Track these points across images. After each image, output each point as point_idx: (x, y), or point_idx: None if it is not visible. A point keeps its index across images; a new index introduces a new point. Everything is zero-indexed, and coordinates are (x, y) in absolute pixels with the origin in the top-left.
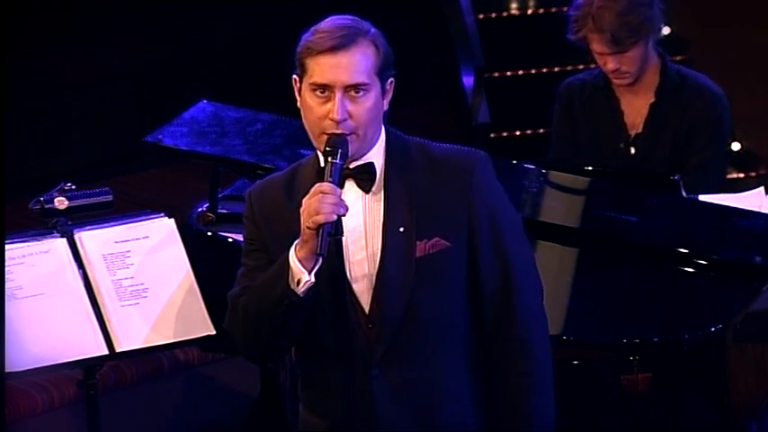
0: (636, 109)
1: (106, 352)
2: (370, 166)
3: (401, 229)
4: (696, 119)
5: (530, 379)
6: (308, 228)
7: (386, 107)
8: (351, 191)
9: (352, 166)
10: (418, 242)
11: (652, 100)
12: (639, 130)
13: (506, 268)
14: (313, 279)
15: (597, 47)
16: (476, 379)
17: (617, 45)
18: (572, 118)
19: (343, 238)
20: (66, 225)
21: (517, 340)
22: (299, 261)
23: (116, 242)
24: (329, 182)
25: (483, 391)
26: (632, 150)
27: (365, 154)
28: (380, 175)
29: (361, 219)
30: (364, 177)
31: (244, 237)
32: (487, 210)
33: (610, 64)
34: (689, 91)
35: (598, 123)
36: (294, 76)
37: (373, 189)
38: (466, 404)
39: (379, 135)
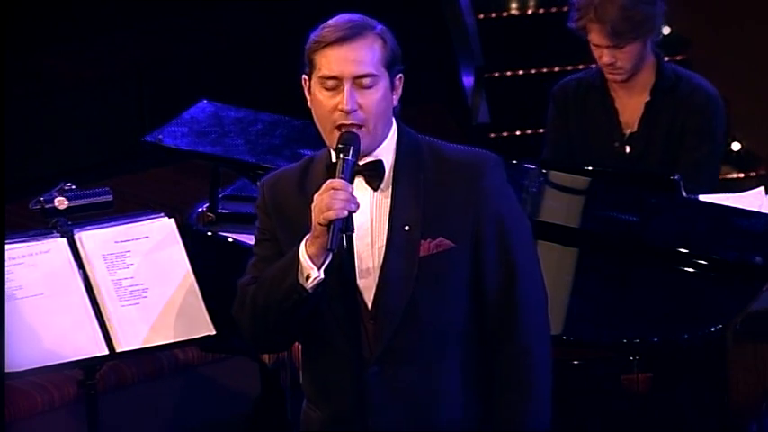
0: (631, 108)
1: (106, 352)
2: (379, 164)
3: (406, 228)
4: (689, 117)
5: (528, 391)
6: (320, 224)
7: (395, 103)
8: (359, 187)
9: (361, 163)
10: (422, 241)
11: (647, 99)
12: (634, 129)
13: (511, 276)
14: (322, 275)
15: (595, 38)
16: (473, 384)
17: (616, 38)
18: (567, 119)
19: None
20: (66, 225)
21: (520, 353)
22: (310, 257)
23: (116, 242)
24: (341, 178)
25: (480, 396)
26: (627, 149)
27: (375, 150)
28: (389, 172)
29: (369, 215)
30: (373, 175)
31: (256, 226)
32: (495, 214)
33: (605, 57)
34: (683, 90)
35: (593, 122)
36: (304, 76)
37: (381, 186)
38: (461, 409)
39: (389, 131)
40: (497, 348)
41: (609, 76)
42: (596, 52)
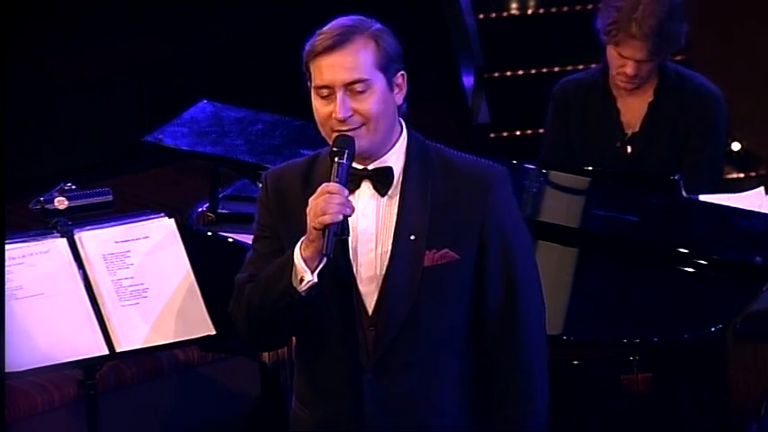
0: (633, 108)
1: (106, 352)
2: (389, 170)
3: (412, 237)
4: (694, 119)
5: (527, 403)
6: (315, 228)
7: (399, 102)
8: (366, 192)
9: (370, 167)
10: (427, 251)
11: (650, 99)
12: (636, 130)
13: (512, 291)
14: (316, 279)
15: (629, 51)
16: (469, 394)
17: (653, 55)
18: (567, 119)
19: (354, 238)
20: (66, 225)
21: (519, 366)
22: (304, 260)
23: (116, 242)
24: (336, 182)
25: (475, 406)
26: (629, 150)
27: (383, 154)
28: (398, 179)
29: (374, 220)
30: (381, 180)
31: (256, 221)
32: (500, 229)
33: (629, 69)
34: (687, 91)
35: (594, 123)
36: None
37: (389, 193)
38: (456, 418)
39: (398, 135)
40: (497, 359)
41: (621, 84)
42: (618, 62)
